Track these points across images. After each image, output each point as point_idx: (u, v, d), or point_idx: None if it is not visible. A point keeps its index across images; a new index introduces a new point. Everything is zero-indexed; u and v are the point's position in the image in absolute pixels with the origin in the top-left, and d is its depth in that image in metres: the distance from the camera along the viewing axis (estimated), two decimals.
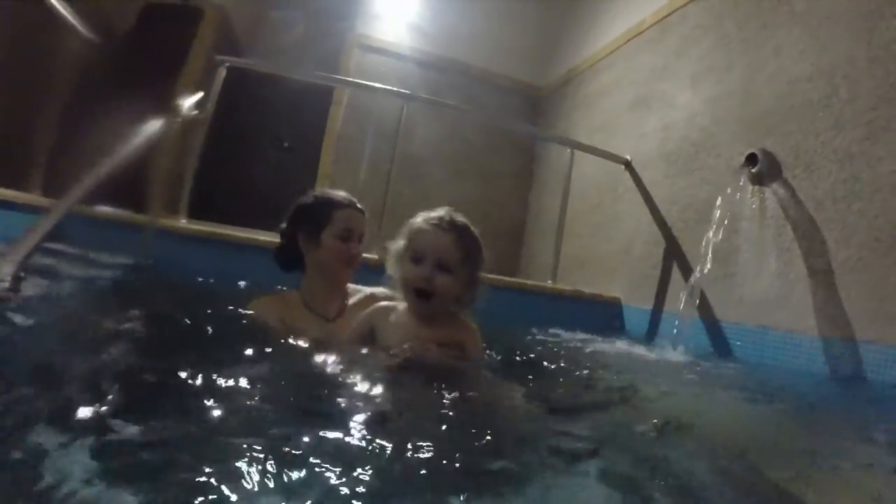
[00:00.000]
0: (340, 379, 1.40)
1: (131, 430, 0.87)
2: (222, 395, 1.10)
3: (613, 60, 4.89)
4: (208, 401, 1.05)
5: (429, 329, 1.61)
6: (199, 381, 1.14)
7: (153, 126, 2.45)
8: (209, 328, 1.67)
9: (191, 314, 1.72)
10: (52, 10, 3.67)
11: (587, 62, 5.36)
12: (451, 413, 1.27)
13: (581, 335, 2.97)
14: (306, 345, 1.64)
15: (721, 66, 3.53)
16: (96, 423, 0.88)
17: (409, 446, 0.97)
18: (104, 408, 0.92)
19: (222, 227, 3.47)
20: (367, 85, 4.62)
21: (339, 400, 1.25)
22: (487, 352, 1.85)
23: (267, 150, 6.22)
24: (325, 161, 5.66)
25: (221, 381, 1.15)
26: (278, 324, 1.78)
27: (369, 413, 1.13)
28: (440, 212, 1.66)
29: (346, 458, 0.89)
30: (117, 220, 3.06)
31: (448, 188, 5.69)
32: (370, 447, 0.95)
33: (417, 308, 1.62)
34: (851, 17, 2.65)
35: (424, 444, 0.99)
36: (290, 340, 1.67)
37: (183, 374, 1.16)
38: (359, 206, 2.00)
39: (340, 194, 1.99)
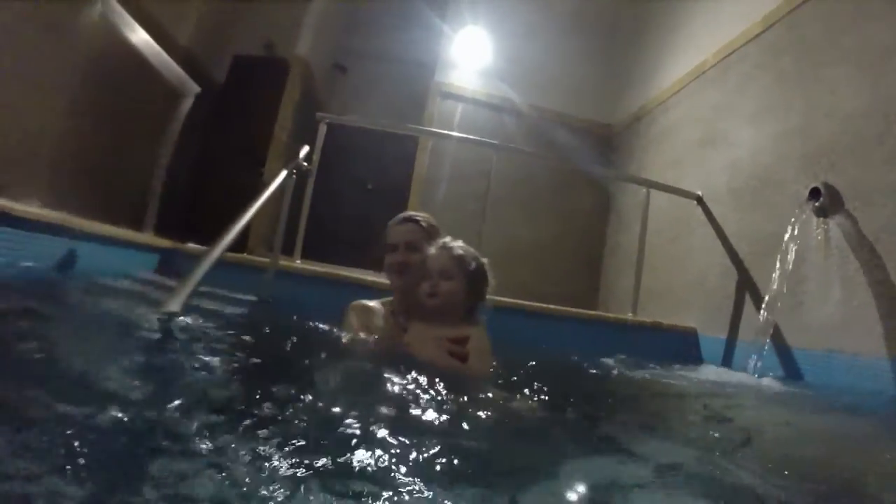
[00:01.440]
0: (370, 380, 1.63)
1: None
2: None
3: (680, 99, 5.14)
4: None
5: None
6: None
7: (280, 176, 2.87)
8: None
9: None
10: (157, 64, 4.13)
11: (655, 100, 5.62)
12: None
13: (661, 364, 3.21)
14: (370, 349, 2.03)
15: (780, 103, 3.73)
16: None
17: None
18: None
19: (334, 267, 3.95)
20: (461, 137, 5.03)
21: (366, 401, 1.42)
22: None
23: (355, 193, 6.75)
24: (412, 203, 6.11)
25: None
26: (357, 327, 2.15)
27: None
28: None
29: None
30: (241, 262, 3.54)
31: (528, 227, 6.06)
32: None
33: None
34: None
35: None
36: (356, 345, 2.05)
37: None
38: (407, 218, 2.34)
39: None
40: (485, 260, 2.15)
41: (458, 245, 2.12)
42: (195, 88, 4.46)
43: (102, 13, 3.51)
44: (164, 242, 3.78)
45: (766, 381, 2.98)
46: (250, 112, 5.85)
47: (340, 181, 6.49)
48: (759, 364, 3.10)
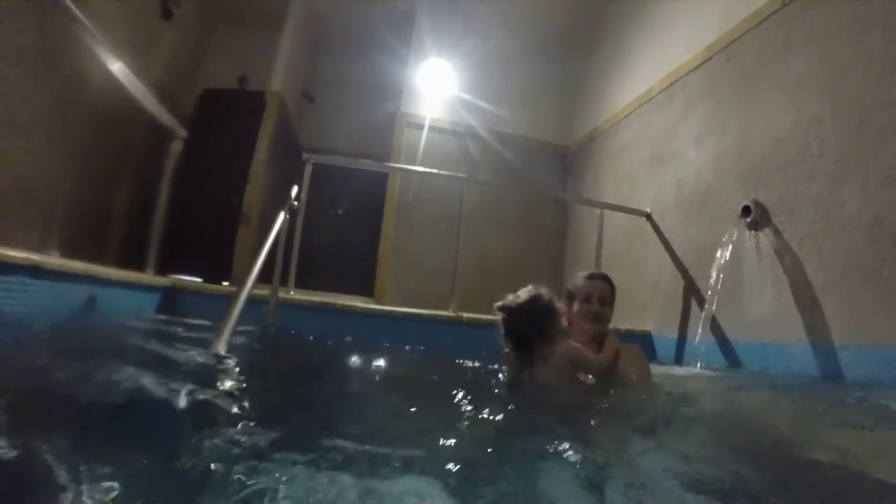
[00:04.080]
0: None
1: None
2: None
3: (630, 122, 5.60)
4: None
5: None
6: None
7: (279, 219, 3.16)
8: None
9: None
10: (148, 108, 4.33)
11: (607, 123, 6.09)
12: None
13: None
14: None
15: (719, 126, 4.18)
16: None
17: None
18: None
19: (325, 295, 4.25)
20: (432, 172, 5.40)
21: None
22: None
23: (328, 218, 7.04)
24: (387, 225, 6.44)
25: None
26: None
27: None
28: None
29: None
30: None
31: (497, 242, 6.45)
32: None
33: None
34: (818, 79, 3.28)
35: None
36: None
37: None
38: (602, 276, 2.86)
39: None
40: None
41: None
42: (182, 133, 4.68)
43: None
44: (164, 281, 4.01)
45: (710, 373, 3.40)
46: (225, 144, 6.05)
47: (313, 206, 6.76)
48: (703, 356, 3.55)
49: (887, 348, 2.59)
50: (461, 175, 5.06)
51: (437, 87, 6.79)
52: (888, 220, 2.69)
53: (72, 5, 3.19)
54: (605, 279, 2.74)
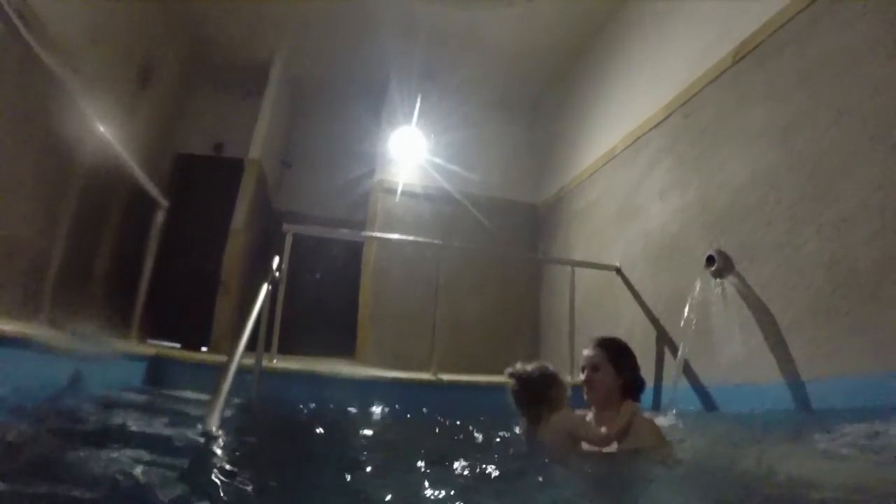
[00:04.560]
0: None
1: None
2: None
3: (596, 179, 5.78)
4: None
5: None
6: None
7: (262, 292, 3.17)
8: None
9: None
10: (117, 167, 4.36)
11: (575, 181, 6.27)
12: None
13: None
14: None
15: (681, 180, 4.35)
16: None
17: None
18: None
19: (310, 360, 4.24)
20: (408, 240, 5.53)
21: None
22: None
23: (305, 283, 7.04)
24: (364, 289, 6.48)
25: None
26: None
27: None
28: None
29: None
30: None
31: (473, 303, 6.51)
32: None
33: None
34: (772, 131, 3.45)
35: None
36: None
37: None
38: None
39: None
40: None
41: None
42: (164, 203, 4.73)
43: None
44: (149, 350, 3.97)
45: (687, 417, 3.45)
46: (203, 211, 6.12)
47: (291, 270, 6.78)
48: (677, 402, 3.60)
49: (851, 378, 2.66)
50: (436, 242, 5.19)
51: (410, 153, 6.97)
52: (843, 259, 2.81)
53: (56, 70, 3.25)
54: (598, 345, 2.63)
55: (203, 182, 6.37)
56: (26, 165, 3.75)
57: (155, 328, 5.01)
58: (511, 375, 2.60)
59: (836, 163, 2.94)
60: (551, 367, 2.63)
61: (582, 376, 2.56)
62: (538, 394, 2.53)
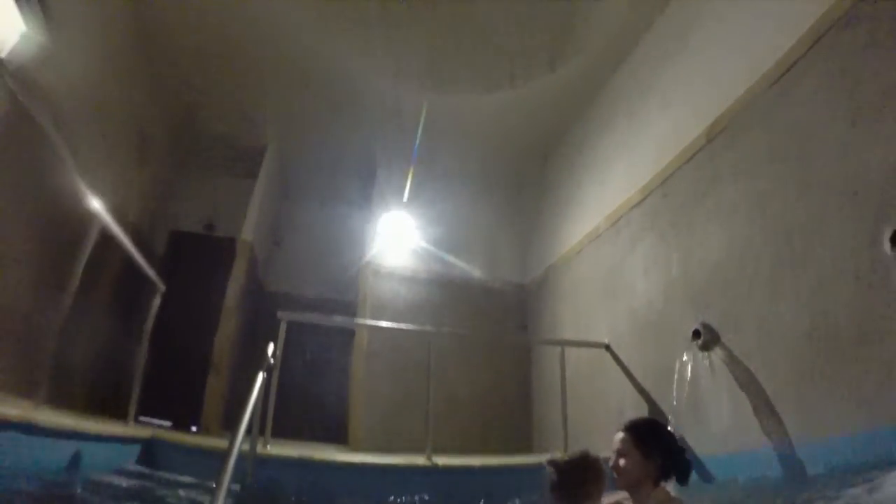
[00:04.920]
0: None
1: None
2: None
3: (581, 258, 5.90)
4: None
5: None
6: None
7: (258, 380, 3.16)
8: None
9: None
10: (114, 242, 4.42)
11: (560, 261, 6.40)
12: None
13: None
14: None
15: (664, 257, 4.46)
16: None
17: None
18: None
19: (302, 445, 4.18)
20: (401, 329, 5.60)
21: None
22: None
23: (297, 364, 7.00)
24: (356, 372, 6.46)
25: None
26: None
27: None
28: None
29: None
30: (218, 449, 3.65)
31: (465, 383, 6.53)
32: None
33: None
34: (747, 206, 3.58)
35: None
36: None
37: None
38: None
39: None
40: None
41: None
42: (161, 287, 4.78)
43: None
44: (145, 433, 3.93)
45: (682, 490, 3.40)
46: (195, 290, 6.15)
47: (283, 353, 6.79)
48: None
49: (840, 437, 2.66)
50: (428, 329, 5.24)
51: (399, 236, 7.12)
52: (823, 323, 2.87)
53: (59, 146, 3.34)
54: (625, 429, 2.51)
55: (194, 260, 6.44)
56: (23, 237, 3.80)
57: (145, 405, 4.95)
58: (550, 464, 2.43)
59: (809, 231, 3.06)
60: (592, 453, 2.43)
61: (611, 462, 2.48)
62: (578, 485, 2.37)
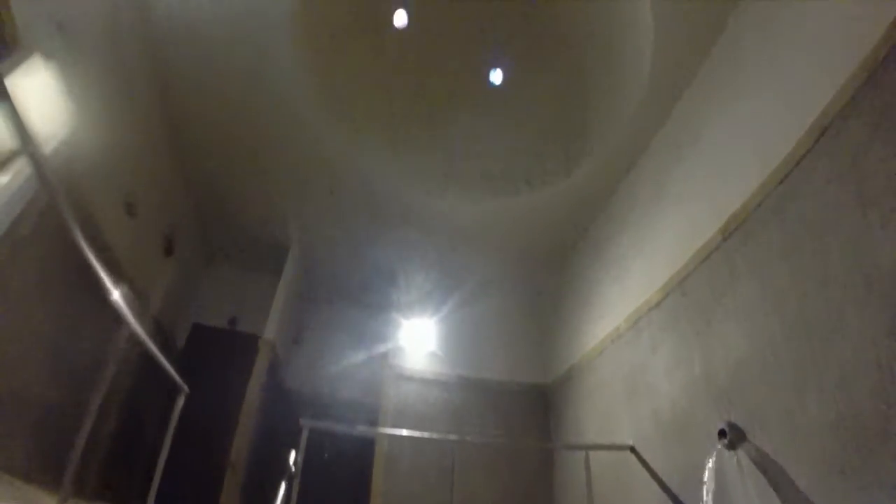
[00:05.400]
0: None
1: None
2: None
3: (603, 359, 5.90)
4: None
5: None
6: None
7: (281, 489, 3.17)
8: None
9: None
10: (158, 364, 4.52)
11: (582, 360, 6.39)
12: None
13: None
14: None
15: (685, 357, 4.47)
16: None
17: None
18: None
19: None
20: (424, 438, 5.60)
21: None
22: None
23: (314, 464, 6.89)
24: (376, 474, 6.35)
25: None
26: None
27: None
28: None
29: None
30: None
31: (488, 488, 6.38)
32: None
33: None
34: (766, 303, 3.63)
35: None
36: None
37: None
38: None
39: None
40: None
41: None
42: (185, 388, 4.87)
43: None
44: None
45: None
46: (216, 386, 6.20)
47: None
48: None
49: None
50: (451, 437, 5.23)
51: (419, 340, 7.20)
52: (849, 415, 2.85)
53: (85, 246, 3.46)
54: None
55: (216, 355, 6.52)
56: (45, 327, 3.92)
57: (161, 500, 4.90)
58: None
59: (829, 324, 3.10)
60: None
61: None
62: None
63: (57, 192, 2.90)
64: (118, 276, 4.58)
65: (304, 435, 4.43)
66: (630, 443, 5.01)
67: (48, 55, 3.62)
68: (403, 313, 7.28)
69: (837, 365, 3.00)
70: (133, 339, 4.31)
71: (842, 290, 3.04)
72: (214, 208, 7.18)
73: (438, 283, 7.54)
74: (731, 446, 3.68)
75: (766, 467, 3.39)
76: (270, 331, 6.73)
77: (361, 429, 6.10)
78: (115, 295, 3.80)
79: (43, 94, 3.63)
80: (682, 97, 5.14)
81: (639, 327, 5.27)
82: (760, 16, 4.24)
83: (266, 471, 6.20)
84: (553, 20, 6.07)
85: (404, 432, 6.11)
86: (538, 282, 8.01)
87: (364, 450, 6.65)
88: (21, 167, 3.15)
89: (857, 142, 3.10)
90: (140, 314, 4.86)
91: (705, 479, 3.76)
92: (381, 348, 7.25)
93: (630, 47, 5.28)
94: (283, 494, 3.15)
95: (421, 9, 6.27)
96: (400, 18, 6.29)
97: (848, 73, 3.21)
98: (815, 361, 3.16)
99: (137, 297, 5.20)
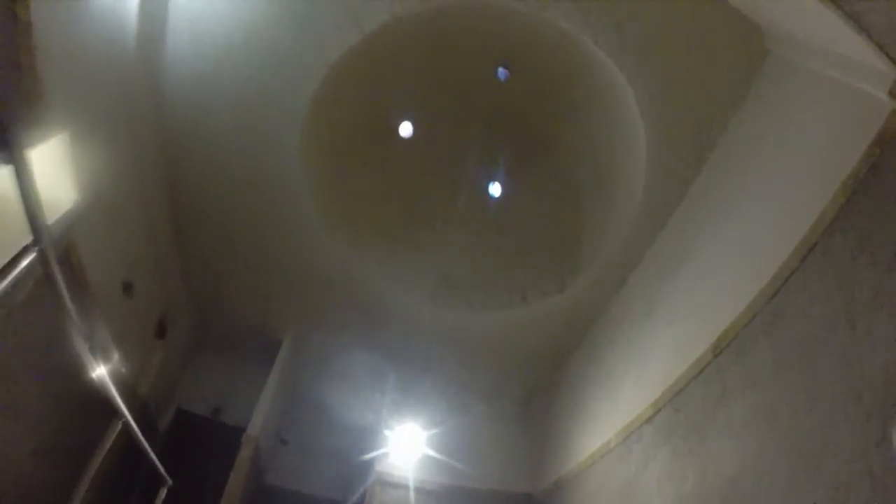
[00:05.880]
0: None
1: None
2: None
3: (593, 472, 5.84)
4: None
5: None
6: None
7: None
8: None
9: None
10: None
11: (571, 472, 6.32)
12: None
13: None
14: None
15: (677, 473, 4.46)
16: None
17: None
18: None
19: None
20: None
21: None
22: None
23: None
24: None
25: None
26: None
27: None
28: None
29: None
30: None
31: None
32: None
33: None
34: (757, 420, 3.69)
35: None
36: None
37: None
38: None
39: None
40: None
41: None
42: (168, 481, 4.79)
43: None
44: None
45: None
46: (196, 477, 6.03)
47: None
48: None
49: None
50: None
51: (407, 446, 7.07)
52: None
53: (75, 315, 3.46)
54: None
55: (198, 444, 6.36)
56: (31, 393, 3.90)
57: None
58: None
59: (820, 438, 3.18)
60: None
61: None
62: None
63: (54, 262, 2.93)
64: (109, 353, 4.60)
65: None
66: None
67: (65, 125, 3.78)
68: (394, 418, 7.18)
69: (831, 478, 3.04)
70: (125, 427, 4.30)
71: (832, 405, 3.13)
72: (209, 297, 7.29)
73: (429, 389, 7.51)
74: None
75: None
76: (255, 426, 6.61)
77: None
78: (103, 371, 3.83)
79: (55, 162, 3.76)
80: (673, 215, 5.40)
81: (629, 443, 5.26)
82: (749, 135, 4.57)
83: None
84: (550, 142, 6.47)
85: None
86: (529, 391, 8.02)
87: None
88: (23, 232, 3.14)
89: (842, 258, 3.30)
90: (129, 396, 4.83)
91: None
92: (369, 453, 7.10)
93: (623, 168, 5.61)
94: None
95: (426, 122, 6.66)
96: (406, 129, 6.69)
97: (832, 191, 3.45)
98: (808, 475, 3.21)
99: (127, 376, 5.17)
